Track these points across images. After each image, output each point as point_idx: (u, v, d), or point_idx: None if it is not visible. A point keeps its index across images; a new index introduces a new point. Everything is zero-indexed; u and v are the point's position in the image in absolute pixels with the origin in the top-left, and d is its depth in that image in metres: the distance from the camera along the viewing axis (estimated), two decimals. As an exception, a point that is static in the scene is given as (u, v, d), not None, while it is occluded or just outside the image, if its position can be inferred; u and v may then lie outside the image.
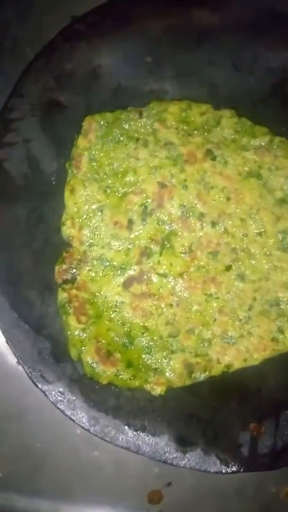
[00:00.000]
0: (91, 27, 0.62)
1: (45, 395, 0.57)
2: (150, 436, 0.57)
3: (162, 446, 0.57)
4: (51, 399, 0.57)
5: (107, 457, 0.67)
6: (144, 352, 0.59)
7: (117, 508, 0.68)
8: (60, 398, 0.57)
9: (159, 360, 0.58)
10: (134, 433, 0.57)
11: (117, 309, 0.60)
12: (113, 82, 0.63)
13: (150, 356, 0.59)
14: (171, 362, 0.58)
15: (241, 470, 0.56)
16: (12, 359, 0.67)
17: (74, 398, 0.57)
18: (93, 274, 0.60)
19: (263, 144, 0.64)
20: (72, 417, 0.56)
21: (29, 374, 0.57)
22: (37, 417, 0.67)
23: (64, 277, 0.60)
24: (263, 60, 0.64)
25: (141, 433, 0.57)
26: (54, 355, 0.58)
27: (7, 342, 0.59)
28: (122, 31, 0.63)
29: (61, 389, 0.57)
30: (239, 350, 0.59)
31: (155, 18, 0.63)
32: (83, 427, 0.56)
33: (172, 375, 0.58)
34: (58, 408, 0.57)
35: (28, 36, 0.70)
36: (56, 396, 0.57)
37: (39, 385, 0.57)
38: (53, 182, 0.61)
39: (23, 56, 0.67)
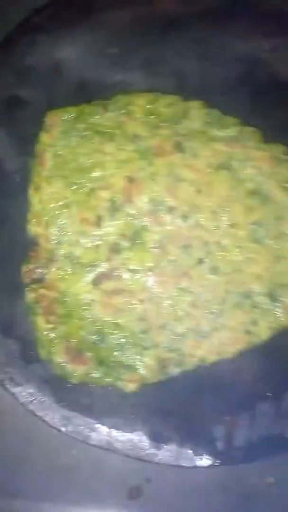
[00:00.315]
0: (51, 19, 0.61)
1: (15, 397, 0.56)
2: (124, 433, 0.57)
3: (136, 443, 0.57)
4: (21, 400, 0.56)
5: (85, 455, 0.67)
6: (116, 349, 0.58)
7: (98, 505, 0.68)
8: (30, 399, 0.57)
9: (132, 357, 0.58)
10: (108, 431, 0.57)
11: (87, 307, 0.59)
12: (77, 75, 0.62)
13: (122, 353, 0.58)
14: (143, 358, 0.58)
15: (216, 463, 0.56)
16: None
17: (45, 399, 0.57)
18: (62, 272, 0.59)
19: (233, 135, 0.63)
20: (43, 418, 0.56)
21: None
22: (13, 419, 0.66)
23: (31, 276, 0.59)
24: (231, 48, 0.63)
25: (114, 431, 0.57)
26: (23, 356, 0.58)
27: None
28: (84, 22, 0.61)
29: (31, 391, 0.57)
30: (212, 343, 0.59)
31: (118, 8, 0.61)
32: (54, 428, 0.56)
33: (145, 371, 0.57)
34: (29, 409, 0.56)
35: None
36: (27, 397, 0.57)
37: (9, 388, 0.56)
38: (17, 181, 0.60)
39: None
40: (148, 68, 0.63)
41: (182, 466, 0.57)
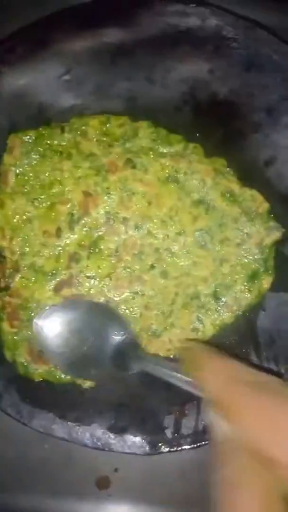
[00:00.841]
0: (9, 52, 0.66)
1: None
2: (83, 426, 0.63)
3: (95, 434, 0.63)
4: None
5: (57, 449, 0.72)
6: (75, 349, 0.64)
7: (70, 496, 0.73)
8: None
9: (89, 356, 0.64)
10: (69, 424, 0.62)
11: (49, 312, 0.65)
12: (36, 100, 0.68)
13: (80, 353, 0.64)
14: (100, 357, 0.64)
15: (166, 450, 0.62)
16: None
17: (11, 396, 0.62)
18: (26, 281, 0.65)
19: (178, 150, 0.69)
20: (10, 413, 0.62)
21: None
22: None
23: (-3, 285, 0.65)
24: (175, 72, 0.69)
25: (75, 424, 0.63)
26: None
27: None
28: (40, 53, 0.67)
29: None
30: (163, 341, 0.65)
31: (70, 40, 0.67)
32: (20, 421, 0.62)
33: (101, 368, 0.63)
34: None
35: None
36: None
37: None
38: (-18, 199, 0.66)
39: None
40: (100, 93, 0.68)
41: (136, 454, 0.63)
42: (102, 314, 0.61)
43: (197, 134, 0.69)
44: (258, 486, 0.38)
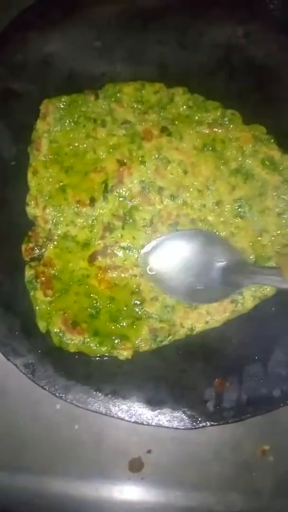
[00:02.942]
0: (40, 16, 0.64)
1: (17, 367, 0.60)
2: (120, 399, 0.61)
3: (132, 408, 0.60)
4: (22, 370, 0.60)
5: (88, 430, 0.70)
6: (110, 320, 0.62)
7: (101, 478, 0.71)
8: (31, 369, 0.60)
9: (125, 327, 0.62)
10: (105, 397, 0.60)
11: (83, 283, 0.63)
12: (65, 68, 0.66)
13: (117, 324, 0.62)
14: (137, 328, 0.62)
15: (208, 424, 0.60)
16: None
17: (45, 369, 0.60)
18: (59, 250, 0.63)
19: (215, 118, 0.66)
20: (44, 386, 0.60)
21: (1, 349, 0.61)
22: (17, 398, 0.70)
23: (30, 255, 0.63)
24: (207, 36, 0.67)
25: (111, 397, 0.60)
26: (23, 330, 0.61)
27: None
28: (70, 18, 0.65)
29: (32, 361, 0.60)
30: (200, 313, 0.63)
31: (101, 4, 0.65)
32: (55, 395, 0.60)
33: (138, 340, 0.61)
34: (30, 378, 0.60)
35: None
36: (27, 367, 0.60)
37: (11, 359, 0.60)
38: (14, 167, 0.64)
39: None
40: (131, 59, 0.66)
41: (176, 428, 0.60)
42: (207, 241, 0.62)
43: (233, 101, 0.66)
44: None
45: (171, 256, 0.62)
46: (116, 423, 0.63)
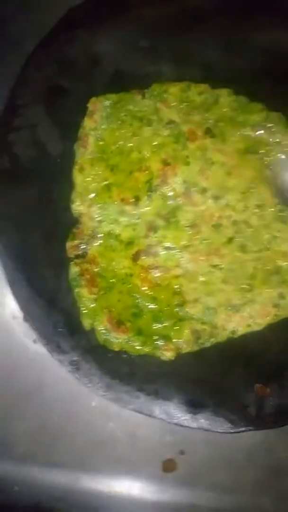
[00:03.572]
0: (88, 15, 0.65)
1: (61, 364, 0.60)
2: (162, 400, 0.60)
3: (173, 409, 0.60)
4: (66, 367, 0.60)
5: (122, 428, 0.70)
6: (153, 320, 0.62)
7: (133, 477, 0.70)
8: (75, 367, 0.60)
9: (168, 328, 0.62)
10: (147, 397, 0.60)
11: (126, 281, 0.63)
12: (112, 66, 0.66)
13: (159, 324, 0.62)
14: (179, 329, 0.62)
15: (250, 429, 0.60)
16: (28, 339, 0.69)
17: (88, 366, 0.60)
18: (103, 248, 0.63)
19: (259, 120, 0.66)
20: (87, 384, 0.60)
21: (46, 346, 0.60)
22: (53, 394, 0.70)
23: (75, 252, 0.63)
24: (253, 40, 0.66)
25: (153, 398, 0.60)
26: (67, 327, 0.61)
27: (24, 318, 0.62)
28: (118, 18, 0.65)
29: (75, 358, 0.60)
30: (243, 316, 0.63)
31: (149, 5, 0.65)
32: (97, 394, 0.59)
33: (180, 341, 0.61)
34: (74, 376, 0.59)
35: (28, 27, 0.72)
36: (72, 364, 0.60)
37: (55, 356, 0.60)
38: (60, 164, 0.64)
39: (23, 46, 0.69)
40: (177, 60, 0.66)
41: (217, 432, 0.60)
42: None
43: (279, 104, 0.66)
44: None
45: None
46: (150, 422, 0.63)
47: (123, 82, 0.66)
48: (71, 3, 0.66)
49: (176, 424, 0.60)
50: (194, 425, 0.60)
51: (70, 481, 0.70)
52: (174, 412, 0.60)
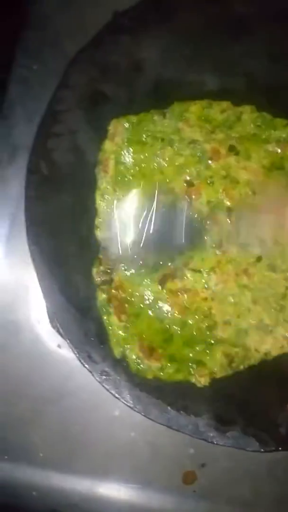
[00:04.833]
0: (134, 20, 0.64)
1: (92, 374, 0.59)
2: (191, 415, 0.59)
3: (202, 425, 0.59)
4: (97, 378, 0.59)
5: (143, 438, 0.69)
6: (185, 345, 0.61)
7: (152, 488, 0.70)
8: (105, 377, 0.60)
9: (200, 353, 0.60)
10: (176, 412, 0.59)
11: (155, 306, 0.62)
12: (154, 74, 0.65)
13: (191, 349, 0.61)
14: (211, 354, 0.60)
15: (280, 448, 0.59)
16: (53, 344, 0.69)
17: (118, 377, 0.60)
18: (129, 273, 0.62)
19: (284, 136, 0.65)
20: (117, 395, 0.59)
21: (77, 355, 0.60)
22: (76, 401, 0.70)
23: (101, 278, 0.62)
24: None
25: (182, 412, 0.59)
26: (98, 336, 0.61)
27: (52, 325, 0.61)
28: (163, 24, 0.64)
29: (106, 369, 0.60)
30: (276, 338, 0.61)
31: (193, 11, 0.64)
32: (127, 405, 0.59)
33: (214, 366, 0.60)
34: (104, 386, 0.59)
35: (69, 29, 0.72)
36: (102, 375, 0.60)
37: (86, 365, 0.59)
38: (97, 173, 0.63)
39: (64, 49, 0.69)
40: (220, 70, 0.65)
41: (246, 450, 0.59)
42: None
43: None
44: None
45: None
46: (172, 434, 0.61)
47: (164, 91, 0.65)
48: (113, 6, 0.65)
49: (203, 439, 0.59)
50: (222, 442, 0.59)
51: (88, 488, 0.70)
52: (203, 428, 0.59)
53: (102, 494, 0.70)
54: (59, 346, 0.68)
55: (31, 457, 0.70)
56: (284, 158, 0.65)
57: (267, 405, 0.60)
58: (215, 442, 0.59)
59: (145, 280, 0.62)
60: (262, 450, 0.59)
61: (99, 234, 0.63)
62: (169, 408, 0.60)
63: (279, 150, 0.65)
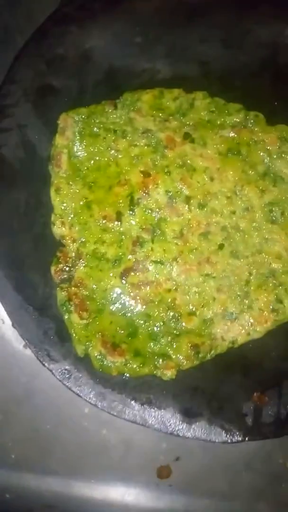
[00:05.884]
0: (80, 9, 0.62)
1: (52, 373, 0.58)
2: (156, 409, 0.58)
3: (168, 418, 0.58)
4: (57, 377, 0.58)
5: (115, 435, 0.68)
6: (150, 339, 0.59)
7: (127, 484, 0.69)
8: (67, 376, 0.58)
9: (166, 345, 0.59)
10: (140, 406, 0.58)
11: (117, 301, 0.60)
12: (105, 63, 0.64)
13: (156, 342, 0.59)
14: (177, 346, 0.59)
15: (246, 439, 0.58)
16: (18, 344, 0.68)
17: (80, 375, 0.58)
18: (89, 269, 0.61)
19: (238, 120, 0.64)
20: (79, 393, 0.58)
21: (36, 354, 0.58)
22: (45, 399, 0.68)
23: (60, 276, 0.60)
24: (253, 35, 0.64)
25: (147, 407, 0.58)
26: (59, 335, 0.59)
27: (13, 325, 0.60)
28: (111, 12, 0.63)
29: (67, 367, 0.59)
30: (241, 325, 0.60)
31: (144, -1, 0.62)
32: (90, 403, 0.58)
33: (180, 357, 0.59)
34: (65, 385, 0.58)
35: (19, 23, 0.70)
36: (63, 373, 0.58)
37: (46, 364, 0.58)
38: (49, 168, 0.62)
39: (14, 43, 0.67)
40: (173, 56, 0.64)
41: (213, 441, 0.58)
42: None
43: (276, 102, 0.64)
44: None
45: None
46: (144, 429, 0.61)
47: (116, 80, 0.64)
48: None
49: (170, 433, 0.58)
50: (189, 434, 0.58)
51: (63, 488, 0.68)
52: (169, 422, 0.58)
53: (78, 493, 0.68)
54: (24, 346, 0.66)
55: (2, 459, 0.68)
56: (241, 143, 0.64)
57: (233, 395, 0.60)
58: (181, 435, 0.59)
59: (106, 275, 0.61)
60: (229, 441, 0.59)
61: (56, 230, 0.61)
62: (133, 403, 0.59)
63: (234, 135, 0.64)
